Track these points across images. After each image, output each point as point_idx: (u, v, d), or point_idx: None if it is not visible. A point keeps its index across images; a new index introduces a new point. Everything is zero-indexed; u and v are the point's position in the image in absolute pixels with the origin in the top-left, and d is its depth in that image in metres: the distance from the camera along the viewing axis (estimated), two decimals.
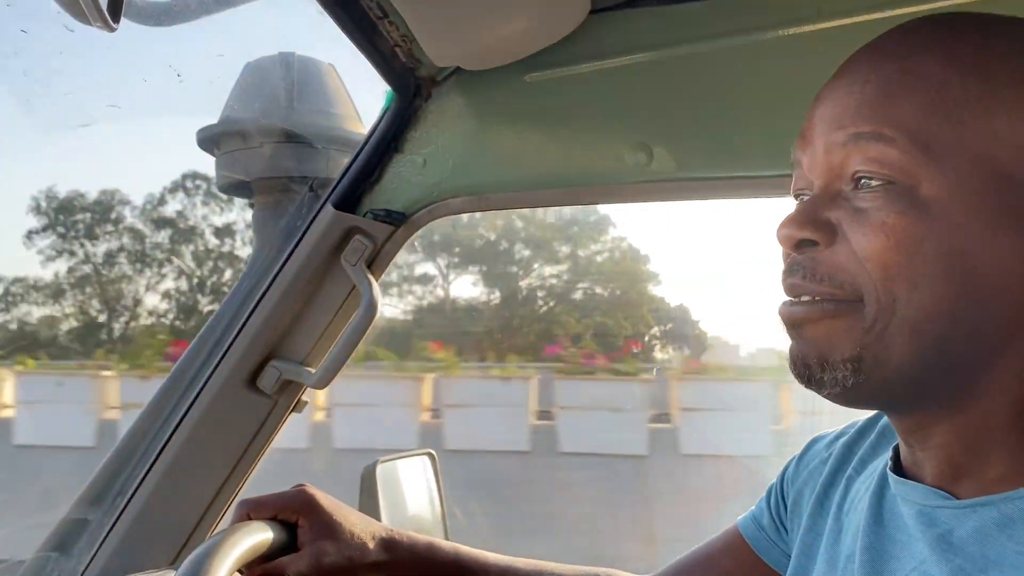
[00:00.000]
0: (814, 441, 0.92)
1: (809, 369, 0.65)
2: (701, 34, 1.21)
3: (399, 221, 1.27)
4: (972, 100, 0.60)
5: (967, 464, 0.65)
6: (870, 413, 0.88)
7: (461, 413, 9.81)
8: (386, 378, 11.39)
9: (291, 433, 1.36)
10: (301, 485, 1.01)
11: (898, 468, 0.73)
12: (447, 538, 1.66)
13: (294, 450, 7.60)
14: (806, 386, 0.67)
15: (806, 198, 0.67)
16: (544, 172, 1.27)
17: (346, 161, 1.30)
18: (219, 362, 1.27)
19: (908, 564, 0.67)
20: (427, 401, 10.64)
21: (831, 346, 0.64)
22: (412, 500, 1.62)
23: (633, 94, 1.25)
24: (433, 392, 10.72)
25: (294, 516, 0.97)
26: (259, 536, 0.90)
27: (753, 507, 0.98)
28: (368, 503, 1.48)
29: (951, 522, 0.64)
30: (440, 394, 10.59)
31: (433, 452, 1.65)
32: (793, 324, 0.66)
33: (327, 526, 0.97)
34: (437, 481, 1.65)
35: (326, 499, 1.00)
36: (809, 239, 0.64)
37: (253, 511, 0.96)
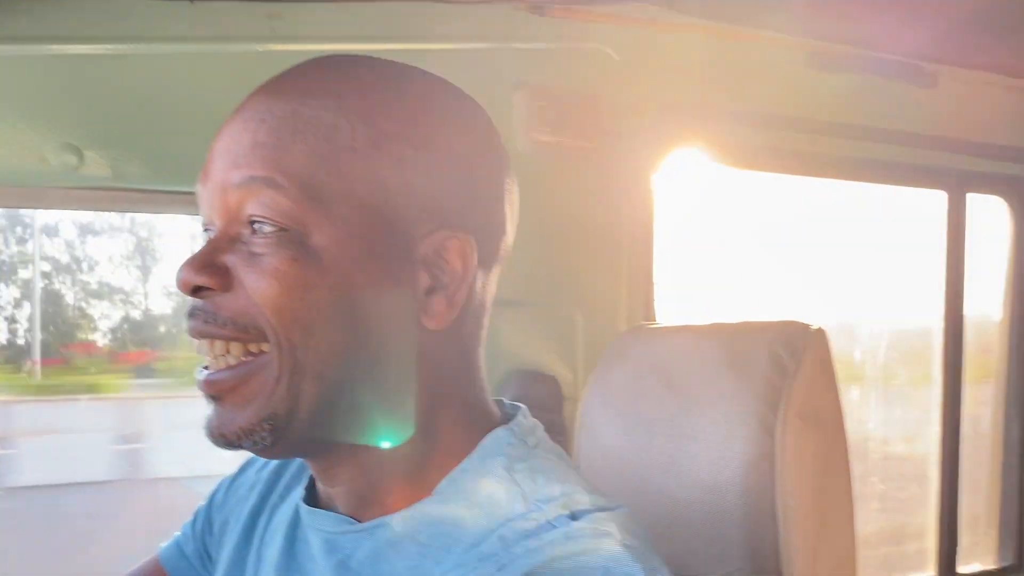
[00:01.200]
0: (248, 464, 0.87)
1: (226, 438, 0.62)
2: (140, 34, 1.11)
3: None
4: (360, 148, 0.60)
5: (371, 496, 0.66)
6: None
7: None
8: None
9: None
10: None
11: (314, 497, 0.73)
12: None
13: None
14: (226, 449, 0.64)
15: (211, 236, 0.63)
16: None
17: None
18: None
19: None
20: None
21: (247, 413, 0.62)
22: None
23: (60, 89, 1.10)
24: None
25: None
26: None
27: (178, 533, 0.90)
28: None
29: (351, 547, 0.65)
30: None
31: None
32: (213, 396, 0.63)
33: None
34: None
35: None
36: (205, 285, 0.60)
37: None
